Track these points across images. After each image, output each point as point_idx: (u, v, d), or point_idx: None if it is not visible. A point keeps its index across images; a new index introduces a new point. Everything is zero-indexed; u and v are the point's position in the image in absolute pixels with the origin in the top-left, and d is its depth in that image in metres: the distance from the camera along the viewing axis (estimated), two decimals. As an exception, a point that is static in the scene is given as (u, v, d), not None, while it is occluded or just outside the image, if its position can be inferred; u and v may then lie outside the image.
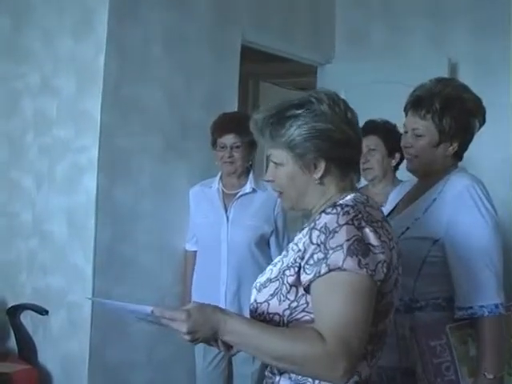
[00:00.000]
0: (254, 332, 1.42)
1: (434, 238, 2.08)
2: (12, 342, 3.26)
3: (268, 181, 1.63)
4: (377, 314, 1.46)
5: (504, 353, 2.02)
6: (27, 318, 3.26)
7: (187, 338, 1.41)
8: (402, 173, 3.11)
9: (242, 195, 3.15)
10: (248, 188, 3.15)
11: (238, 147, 3.08)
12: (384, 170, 3.02)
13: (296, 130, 1.52)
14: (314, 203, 1.60)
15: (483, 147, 3.53)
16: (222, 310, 1.45)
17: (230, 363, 3.25)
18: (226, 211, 3.14)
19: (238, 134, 3.07)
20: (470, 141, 2.20)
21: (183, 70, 3.31)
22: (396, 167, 3.00)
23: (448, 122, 2.11)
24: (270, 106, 1.59)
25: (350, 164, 1.59)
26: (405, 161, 2.43)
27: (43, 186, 3.22)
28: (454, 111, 2.10)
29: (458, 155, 2.20)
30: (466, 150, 2.21)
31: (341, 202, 1.50)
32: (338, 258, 1.38)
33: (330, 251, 1.39)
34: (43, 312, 3.15)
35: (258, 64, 3.91)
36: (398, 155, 2.90)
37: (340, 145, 1.53)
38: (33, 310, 3.20)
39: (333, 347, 1.34)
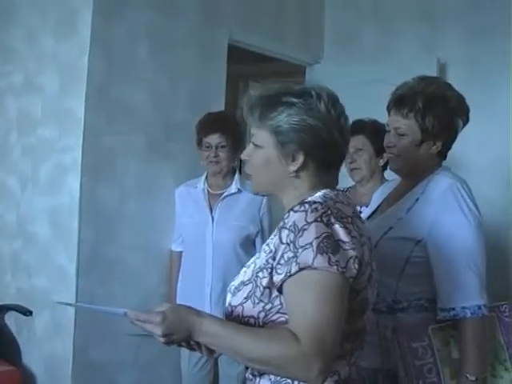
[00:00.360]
0: (228, 333, 1.40)
1: (416, 239, 2.07)
2: (-5, 343, 3.24)
3: (244, 160, 1.62)
4: (352, 311, 1.45)
5: (487, 354, 2.01)
6: (11, 319, 3.24)
7: (162, 340, 1.40)
8: (391, 172, 3.11)
9: (227, 195, 3.14)
10: (233, 188, 3.14)
11: (223, 147, 3.07)
12: (372, 170, 3.00)
13: (286, 118, 1.51)
14: (284, 195, 1.58)
15: (471, 148, 3.56)
16: (196, 312, 1.44)
17: (216, 364, 3.23)
18: (212, 211, 3.13)
19: (223, 134, 3.06)
20: (453, 140, 2.18)
21: (169, 71, 3.29)
22: (384, 167, 2.98)
23: (431, 120, 2.08)
24: (269, 87, 1.58)
25: (329, 166, 1.57)
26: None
27: (27, 186, 3.20)
28: (437, 110, 2.08)
29: (442, 154, 2.19)
30: (449, 149, 2.19)
31: (309, 198, 1.47)
32: (307, 256, 1.36)
33: (300, 250, 1.37)
34: (27, 313, 3.13)
35: (248, 65, 3.89)
36: (385, 155, 2.88)
37: (324, 145, 1.52)
38: (17, 310, 3.18)
39: (307, 347, 1.33)
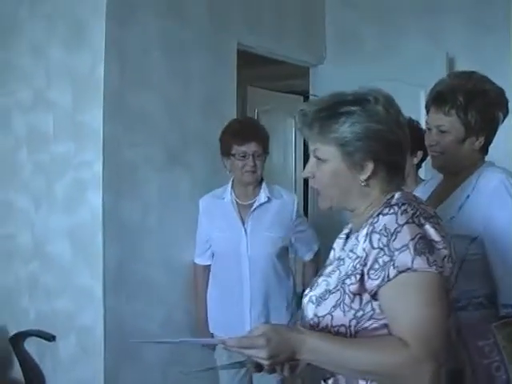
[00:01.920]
0: (336, 348, 1.38)
1: (472, 236, 2.04)
2: (17, 372, 3.09)
3: (307, 177, 1.60)
4: None
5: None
6: (32, 346, 3.09)
7: (267, 363, 1.38)
8: (423, 171, 3.07)
9: (258, 206, 3.01)
10: (263, 197, 3.00)
11: (259, 156, 2.95)
12: (407, 169, 2.94)
13: (349, 127, 1.49)
14: (356, 204, 1.56)
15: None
16: (296, 329, 1.42)
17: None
18: (243, 224, 2.99)
19: (259, 142, 2.94)
20: (495, 133, 2.16)
21: (182, 77, 3.20)
22: (418, 165, 2.92)
23: (473, 116, 2.07)
24: (322, 100, 1.56)
25: (397, 168, 1.55)
26: (428, 159, 2.38)
27: (41, 205, 3.07)
28: (478, 105, 2.07)
29: (484, 149, 2.16)
30: (491, 142, 2.17)
31: (395, 201, 1.46)
32: (405, 258, 1.35)
33: (396, 252, 1.36)
34: (50, 338, 2.99)
35: (250, 68, 3.83)
36: (419, 153, 2.82)
37: (391, 148, 1.50)
38: (38, 336, 3.03)
39: (417, 351, 1.32)
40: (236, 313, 2.90)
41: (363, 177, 1.51)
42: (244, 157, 2.92)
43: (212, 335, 3.04)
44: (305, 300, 1.60)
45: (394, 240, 1.37)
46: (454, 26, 3.81)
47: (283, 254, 3.03)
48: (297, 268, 3.63)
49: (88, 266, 2.89)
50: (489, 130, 2.12)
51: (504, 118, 2.14)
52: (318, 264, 3.34)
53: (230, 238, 2.97)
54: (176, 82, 3.17)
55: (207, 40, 3.34)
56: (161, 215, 3.08)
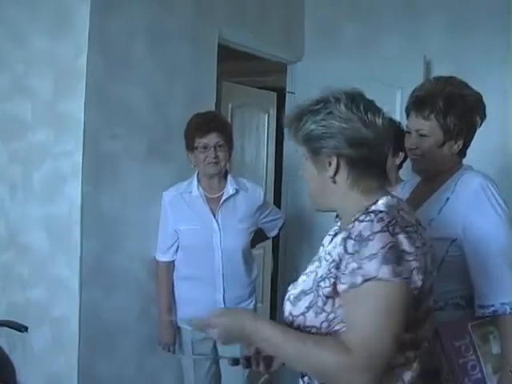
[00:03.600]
0: (284, 341, 1.46)
1: (451, 238, 2.09)
2: (-14, 363, 3.03)
3: (301, 177, 1.65)
4: (416, 321, 1.46)
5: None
6: (2, 336, 3.04)
7: (219, 341, 1.60)
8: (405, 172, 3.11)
9: (226, 198, 3.05)
10: (231, 190, 3.04)
11: (221, 146, 2.97)
12: (388, 170, 2.98)
13: (311, 125, 1.54)
14: (335, 205, 1.60)
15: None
16: (253, 316, 1.56)
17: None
18: (214, 216, 3.02)
19: (220, 133, 2.96)
20: (473, 137, 2.22)
21: (165, 69, 3.17)
22: (399, 166, 2.97)
23: (452, 120, 2.12)
24: (302, 103, 1.60)
25: (370, 165, 1.56)
26: (408, 160, 2.42)
27: (18, 194, 3.01)
28: (457, 109, 2.12)
29: (462, 152, 2.22)
30: (469, 146, 2.22)
31: (374, 207, 1.49)
32: (372, 267, 1.37)
33: (365, 260, 1.38)
34: (22, 328, 2.93)
35: (228, 63, 3.82)
36: (401, 154, 2.87)
37: (355, 145, 1.52)
38: (9, 326, 2.97)
39: (357, 360, 1.36)
40: (209, 305, 2.88)
41: (330, 173, 1.54)
42: (206, 148, 2.95)
43: (179, 329, 3.06)
44: (286, 297, 1.64)
45: (365, 247, 1.39)
46: (433, 29, 3.85)
47: (249, 243, 3.10)
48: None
49: (65, 257, 2.85)
50: (467, 134, 2.17)
51: (481, 122, 2.19)
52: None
53: (201, 231, 2.99)
54: (159, 74, 3.15)
55: (191, 32, 3.31)
56: (140, 207, 3.06)
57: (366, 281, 1.37)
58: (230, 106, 4.97)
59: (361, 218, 1.44)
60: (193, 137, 2.98)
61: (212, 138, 2.95)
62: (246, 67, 4.78)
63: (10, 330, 2.95)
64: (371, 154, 1.54)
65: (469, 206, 2.08)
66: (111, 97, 2.90)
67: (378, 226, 1.40)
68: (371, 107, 1.55)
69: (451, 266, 2.07)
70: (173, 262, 3.09)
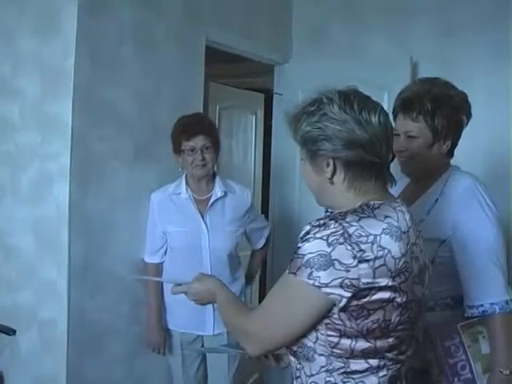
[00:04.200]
0: (224, 307, 1.75)
1: (441, 239, 2.10)
2: (-28, 367, 3.01)
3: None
4: (368, 330, 1.48)
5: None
6: (-11, 340, 3.02)
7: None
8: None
9: (215, 200, 3.05)
10: (219, 192, 3.05)
11: (207, 148, 2.97)
12: None
13: (307, 127, 1.55)
14: (335, 204, 1.59)
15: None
16: (217, 284, 1.80)
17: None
18: (203, 218, 3.02)
19: (207, 135, 2.97)
20: (460, 137, 2.23)
21: (152, 72, 3.17)
22: (387, 167, 2.97)
23: (440, 121, 2.14)
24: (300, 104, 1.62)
25: (366, 166, 1.54)
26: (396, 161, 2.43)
27: (5, 196, 2.98)
28: (444, 110, 2.13)
29: (450, 152, 2.23)
30: (456, 146, 2.24)
31: (333, 214, 1.51)
32: (296, 264, 1.47)
33: (295, 256, 1.48)
34: (10, 332, 2.91)
35: (215, 65, 3.81)
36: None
37: (347, 146, 1.51)
38: (-3, 330, 2.96)
39: (252, 329, 1.58)
40: (197, 306, 2.89)
41: (327, 175, 1.55)
42: (192, 151, 2.95)
43: (169, 331, 3.06)
44: None
45: (302, 244, 1.47)
46: (420, 30, 3.88)
47: (237, 246, 3.11)
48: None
49: (52, 259, 2.83)
50: (455, 134, 2.19)
51: (468, 121, 2.21)
52: (267, 251, 3.44)
53: (190, 233, 2.99)
54: (146, 76, 3.14)
55: (178, 34, 3.31)
56: (128, 209, 3.04)
57: (289, 272, 1.49)
58: (217, 107, 4.96)
59: (315, 220, 1.49)
60: (179, 139, 2.98)
61: (198, 141, 2.95)
62: (234, 69, 4.78)
63: (-3, 333, 2.94)
64: (367, 154, 1.52)
65: (458, 207, 2.09)
66: (99, 99, 2.88)
67: (319, 232, 1.45)
68: (367, 105, 1.53)
69: (441, 267, 2.08)
70: (161, 263, 3.09)
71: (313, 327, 1.50)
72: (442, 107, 2.14)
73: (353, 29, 4.11)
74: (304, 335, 1.52)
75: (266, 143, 5.06)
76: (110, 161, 2.95)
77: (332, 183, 1.55)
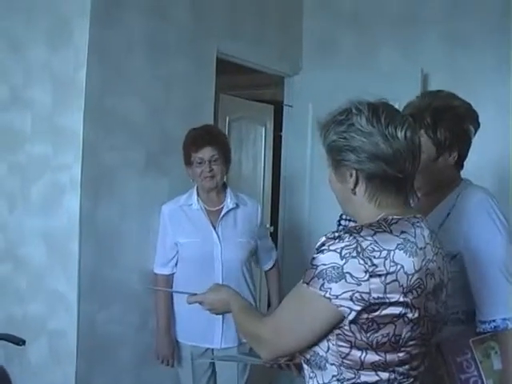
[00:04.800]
0: (238, 316, 1.77)
1: (452, 253, 2.07)
2: (-17, 377, 3.01)
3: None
4: (378, 344, 1.47)
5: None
6: (-1, 350, 3.02)
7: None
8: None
9: (226, 212, 3.04)
10: (231, 204, 3.04)
11: (216, 160, 2.97)
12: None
13: (333, 136, 1.55)
14: (355, 214, 1.61)
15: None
16: (233, 294, 1.84)
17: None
18: (215, 229, 3.01)
19: (215, 147, 2.96)
20: (468, 147, 2.20)
21: (164, 82, 3.18)
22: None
23: (442, 133, 2.10)
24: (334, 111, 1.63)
25: (387, 180, 1.53)
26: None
27: (16, 207, 3.00)
28: (446, 121, 2.10)
29: (459, 164, 2.20)
30: (466, 157, 2.21)
31: (349, 228, 1.51)
32: (310, 274, 1.48)
33: (310, 266, 1.48)
34: (20, 342, 2.91)
35: (223, 76, 3.83)
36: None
37: (369, 158, 1.51)
38: (7, 340, 2.95)
39: (265, 335, 1.60)
40: (208, 318, 2.88)
41: (350, 186, 1.55)
42: (201, 163, 2.95)
43: (178, 344, 3.05)
44: None
45: (316, 255, 1.48)
46: (430, 41, 3.88)
47: (249, 258, 3.10)
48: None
49: (63, 270, 2.84)
50: (461, 145, 2.15)
51: (475, 130, 2.17)
52: (279, 272, 3.42)
53: (202, 244, 2.97)
54: (157, 87, 3.16)
55: (189, 45, 3.33)
56: (139, 221, 3.05)
57: (303, 282, 1.49)
58: (227, 119, 4.97)
59: (330, 233, 1.49)
60: (189, 151, 2.99)
61: (206, 152, 2.95)
62: (244, 80, 4.79)
63: (7, 343, 2.94)
64: (389, 169, 1.51)
65: (469, 221, 2.07)
66: (110, 109, 2.90)
67: (334, 245, 1.45)
68: (394, 119, 1.52)
69: (452, 281, 2.05)
70: (171, 275, 3.07)
71: (324, 336, 1.51)
72: (443, 119, 2.10)
73: (363, 40, 4.11)
74: (316, 344, 1.53)
75: (276, 155, 5.07)
76: (120, 171, 2.96)
77: (354, 194, 1.56)
